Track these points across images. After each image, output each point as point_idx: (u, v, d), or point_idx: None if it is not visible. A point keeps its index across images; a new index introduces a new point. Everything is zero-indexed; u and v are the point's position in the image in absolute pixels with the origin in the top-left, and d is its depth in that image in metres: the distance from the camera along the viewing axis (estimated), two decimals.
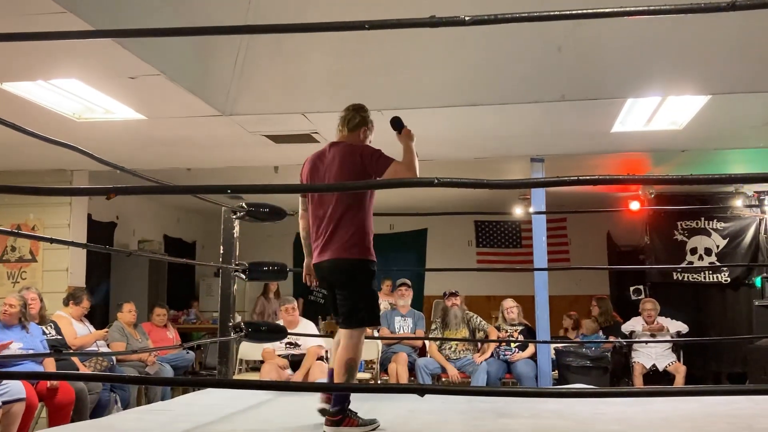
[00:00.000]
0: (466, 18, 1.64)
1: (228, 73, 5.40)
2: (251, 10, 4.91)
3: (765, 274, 8.87)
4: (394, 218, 11.85)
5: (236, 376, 7.05)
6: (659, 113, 5.88)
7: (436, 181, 1.69)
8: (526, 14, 1.69)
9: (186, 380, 8.00)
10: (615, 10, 1.77)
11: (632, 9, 1.76)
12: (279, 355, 7.13)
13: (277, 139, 6.46)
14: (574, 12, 1.71)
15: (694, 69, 5.10)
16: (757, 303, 8.67)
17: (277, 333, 5.16)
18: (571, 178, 1.88)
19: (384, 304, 9.07)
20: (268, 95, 5.56)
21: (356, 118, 3.93)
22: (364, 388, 3.79)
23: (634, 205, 9.26)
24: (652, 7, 1.72)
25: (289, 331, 6.64)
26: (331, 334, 9.32)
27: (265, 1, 4.81)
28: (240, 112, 5.65)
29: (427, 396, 2.16)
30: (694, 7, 1.70)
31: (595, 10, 1.74)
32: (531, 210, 7.62)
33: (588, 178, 3.02)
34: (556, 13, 1.69)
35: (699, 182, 7.82)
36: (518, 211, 10.07)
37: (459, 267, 11.73)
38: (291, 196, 4.55)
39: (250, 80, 5.45)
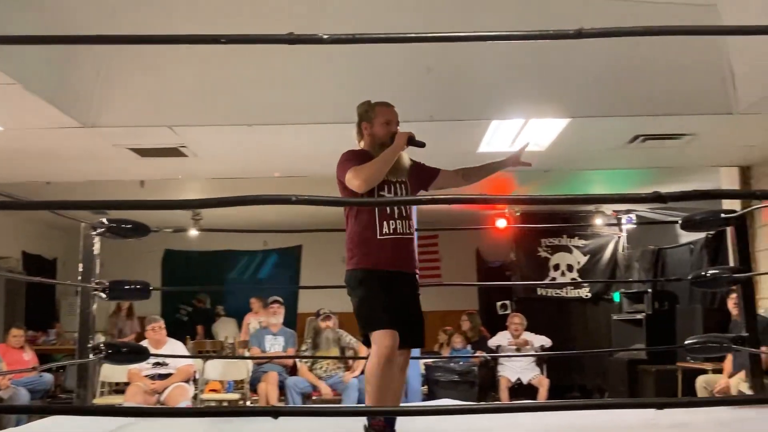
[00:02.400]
0: (325, 36, 1.64)
1: (90, 84, 5.19)
2: (115, 20, 4.76)
3: (623, 289, 9.34)
4: (268, 234, 11.72)
5: (98, 399, 6.75)
6: (523, 135, 6.08)
7: (293, 198, 1.67)
8: (384, 35, 1.70)
9: (36, 407, 7.58)
10: (469, 34, 1.81)
11: (484, 34, 1.80)
12: (146, 376, 6.87)
13: (143, 152, 6.26)
14: (430, 35, 1.74)
15: (554, 93, 5.31)
16: (615, 317, 9.11)
17: (138, 354, 4.95)
18: (442, 196, 1.91)
19: (253, 323, 8.95)
20: (133, 107, 5.38)
21: (357, 120, 3.62)
22: (212, 411, 3.67)
23: (501, 223, 9.54)
24: (503, 33, 1.77)
25: (153, 351, 6.45)
26: (200, 354, 9.12)
27: (128, 12, 4.67)
28: (103, 124, 5.44)
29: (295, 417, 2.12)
30: (544, 34, 1.76)
31: (449, 34, 1.78)
32: None
33: (457, 197, 3.08)
34: (413, 35, 1.71)
35: (560, 202, 8.16)
36: None
37: (334, 284, 11.66)
38: (157, 211, 4.41)
39: (114, 92, 5.27)
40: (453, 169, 3.82)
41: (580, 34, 1.73)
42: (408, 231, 3.44)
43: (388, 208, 3.39)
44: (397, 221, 3.41)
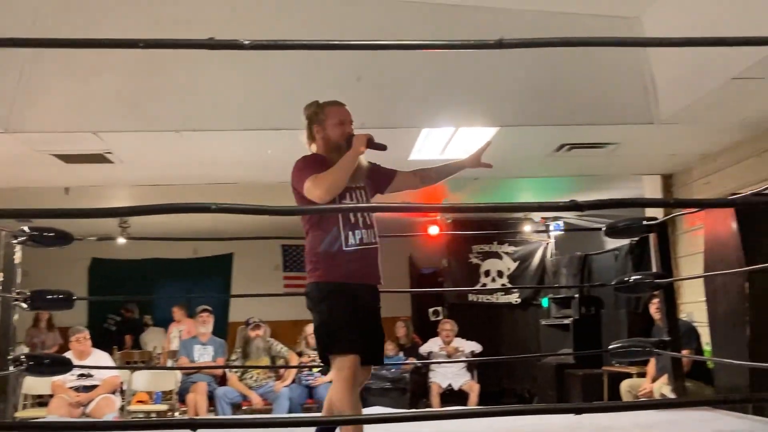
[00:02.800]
0: (246, 42, 1.62)
1: (11, 88, 5.03)
2: (37, 23, 4.64)
3: (551, 295, 9.51)
4: (198, 243, 11.56)
5: (20, 413, 6.55)
6: (453, 143, 6.14)
7: (213, 206, 1.65)
8: (306, 42, 1.70)
9: None
10: (393, 42, 1.82)
11: (408, 42, 1.82)
12: (70, 388, 6.69)
13: (68, 159, 6.10)
14: (353, 42, 1.74)
15: (483, 102, 5.38)
16: (543, 322, 9.27)
17: (61, 366, 4.82)
18: (377, 205, 1.90)
19: (174, 333, 8.83)
20: (57, 113, 5.24)
21: (304, 124, 3.44)
22: (130, 425, 3.56)
23: (433, 230, 9.61)
24: (427, 42, 1.78)
25: (78, 363, 6.29)
26: (127, 365, 8.94)
27: (51, 15, 4.55)
28: (25, 129, 5.28)
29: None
30: (466, 44, 1.78)
31: (372, 42, 1.79)
32: None
33: (391, 205, 3.10)
34: (336, 42, 1.71)
35: (479, 210, 8.26)
36: None
37: (265, 292, 11.60)
38: (82, 219, 4.29)
39: (37, 97, 5.12)
40: (410, 170, 3.68)
41: (500, 45, 1.75)
42: (374, 240, 3.29)
43: (352, 217, 3.23)
44: (363, 231, 3.24)
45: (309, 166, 3.25)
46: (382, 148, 3.30)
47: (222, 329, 10.61)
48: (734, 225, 5.17)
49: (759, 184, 4.94)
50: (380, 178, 3.54)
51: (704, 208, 4.76)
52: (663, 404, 5.06)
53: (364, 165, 3.35)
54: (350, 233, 3.20)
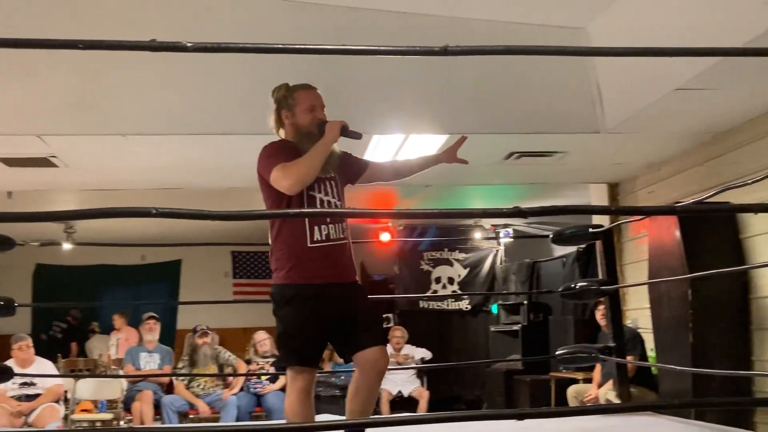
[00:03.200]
0: (188, 44, 1.60)
1: None
2: None
3: (500, 301, 9.59)
4: (146, 249, 11.38)
5: None
6: (403, 150, 6.15)
7: (153, 211, 1.62)
8: (252, 44, 1.69)
9: None
10: (339, 47, 1.82)
11: (354, 48, 1.82)
12: (11, 397, 6.52)
13: (10, 162, 5.96)
14: (298, 46, 1.73)
15: (433, 110, 5.40)
16: (493, 329, 9.34)
17: (2, 374, 4.69)
18: (327, 210, 1.88)
19: (112, 340, 8.71)
20: None
21: (272, 109, 3.20)
22: None
23: (385, 237, 9.62)
24: (372, 48, 1.79)
25: (20, 371, 6.13)
26: (72, 373, 8.74)
27: None
28: None
29: None
30: (411, 50, 1.79)
31: (318, 46, 1.78)
32: None
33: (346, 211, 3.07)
34: (279, 45, 1.70)
35: (436, 216, 8.32)
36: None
37: (214, 299, 11.48)
38: (26, 224, 4.19)
39: None
40: (383, 161, 3.51)
41: (446, 52, 1.76)
42: (342, 236, 3.11)
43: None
44: (330, 226, 3.05)
45: (277, 153, 3.04)
46: (356, 136, 3.11)
47: (169, 337, 10.47)
48: (677, 233, 5.28)
49: (702, 193, 5.05)
50: (352, 168, 3.34)
51: (646, 216, 4.84)
52: (607, 409, 5.14)
53: (336, 153, 3.13)
54: (316, 228, 3.02)
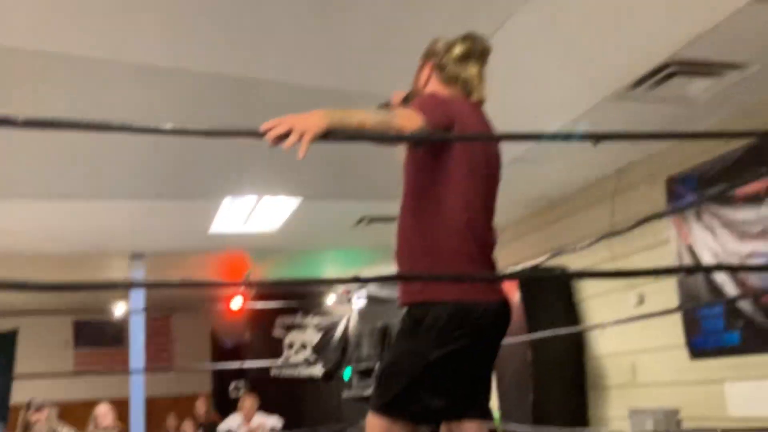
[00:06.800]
0: (19, 119, 1.56)
1: None
2: None
3: (354, 366, 9.58)
4: None
5: None
6: (255, 214, 6.16)
7: None
8: (86, 121, 1.68)
9: None
10: (175, 128, 1.85)
11: (194, 129, 1.85)
12: None
13: None
14: (134, 126, 1.74)
15: (285, 172, 5.46)
16: (345, 394, 9.31)
17: None
18: (169, 280, 1.83)
19: None
20: None
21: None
22: None
23: (236, 302, 9.47)
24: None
25: None
26: None
27: None
28: None
29: None
30: (228, 130, 1.84)
31: (151, 127, 1.80)
32: (130, 308, 7.41)
33: (186, 281, 3.03)
34: (115, 124, 1.69)
35: (297, 284, 8.32)
36: (120, 310, 9.69)
37: (54, 370, 10.85)
38: None
39: None
40: None
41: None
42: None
43: None
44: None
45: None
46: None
47: (3, 413, 9.75)
48: (517, 296, 5.53)
49: (538, 257, 5.34)
50: None
51: (484, 281, 5.04)
52: None
53: None
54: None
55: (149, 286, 6.31)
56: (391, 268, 2.68)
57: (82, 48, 4.02)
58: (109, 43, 3.98)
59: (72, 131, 4.75)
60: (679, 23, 3.48)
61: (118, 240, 6.73)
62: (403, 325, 2.37)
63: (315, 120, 2.02)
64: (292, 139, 2.00)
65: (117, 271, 7.92)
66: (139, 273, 7.10)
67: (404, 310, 2.39)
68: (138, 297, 7.10)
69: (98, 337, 11.73)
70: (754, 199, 4.28)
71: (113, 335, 11.68)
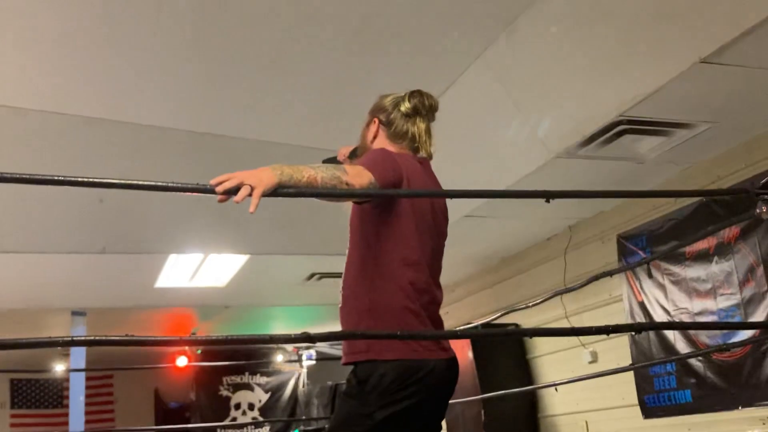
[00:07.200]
0: None
1: None
2: None
3: (302, 427, 9.37)
4: None
5: None
6: (202, 270, 6.03)
7: None
8: (27, 176, 1.60)
9: None
10: (124, 182, 1.78)
11: (141, 183, 1.79)
12: None
13: None
14: (81, 179, 1.66)
15: (233, 230, 5.36)
16: None
17: None
18: (111, 337, 1.72)
19: None
20: None
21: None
22: None
23: (181, 361, 9.20)
24: (155, 183, 1.76)
25: None
26: None
27: None
28: None
29: None
30: (201, 188, 1.79)
31: (104, 180, 1.73)
32: (70, 367, 7.14)
33: (130, 339, 2.89)
34: (59, 177, 1.62)
35: (242, 342, 8.11)
36: (60, 368, 9.34)
37: None
38: None
39: None
40: None
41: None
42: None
43: None
44: None
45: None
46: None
47: None
48: (470, 354, 5.46)
49: (490, 315, 5.28)
50: None
51: (434, 339, 4.97)
52: None
53: None
54: None
55: (90, 343, 6.06)
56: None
57: (26, 101, 3.93)
58: (53, 96, 3.90)
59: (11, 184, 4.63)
60: (628, 83, 3.53)
61: (58, 296, 6.51)
62: (348, 385, 2.29)
63: (265, 175, 1.96)
64: (242, 193, 1.91)
65: (57, 328, 7.65)
66: (80, 329, 6.87)
67: (350, 368, 2.29)
68: (79, 355, 6.85)
69: (36, 398, 11.27)
70: (704, 257, 4.31)
71: (52, 395, 11.25)
